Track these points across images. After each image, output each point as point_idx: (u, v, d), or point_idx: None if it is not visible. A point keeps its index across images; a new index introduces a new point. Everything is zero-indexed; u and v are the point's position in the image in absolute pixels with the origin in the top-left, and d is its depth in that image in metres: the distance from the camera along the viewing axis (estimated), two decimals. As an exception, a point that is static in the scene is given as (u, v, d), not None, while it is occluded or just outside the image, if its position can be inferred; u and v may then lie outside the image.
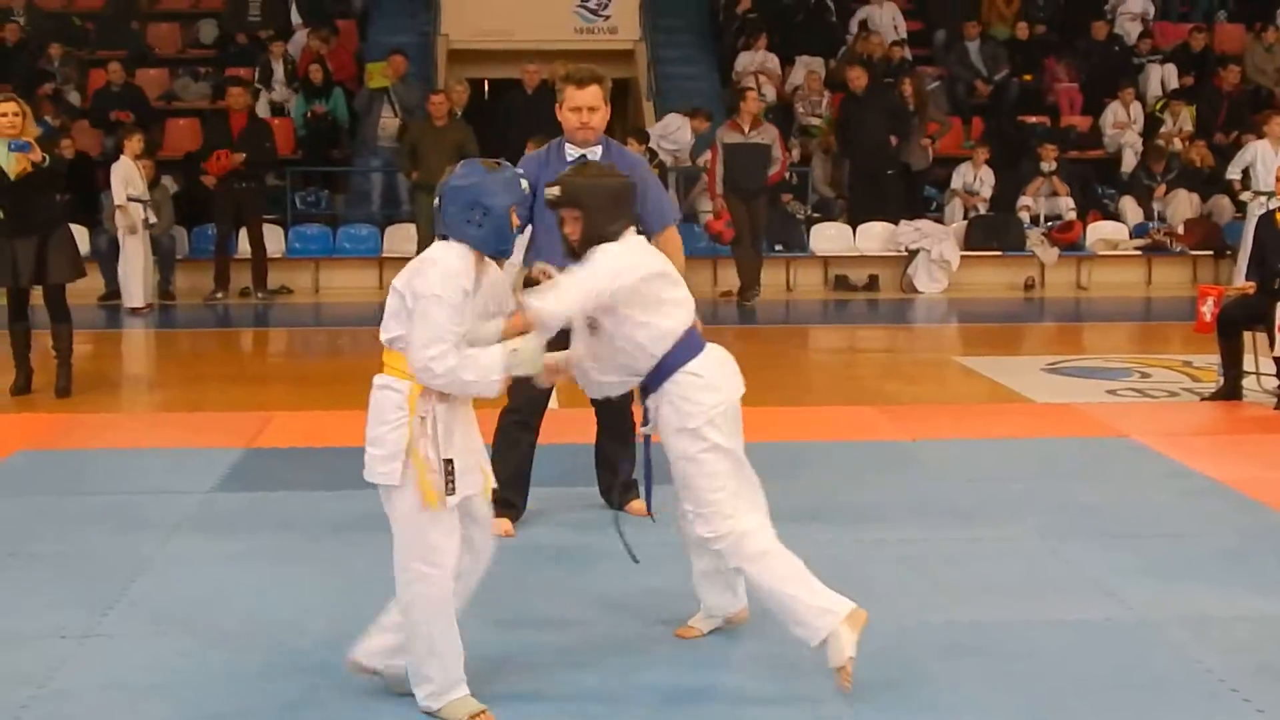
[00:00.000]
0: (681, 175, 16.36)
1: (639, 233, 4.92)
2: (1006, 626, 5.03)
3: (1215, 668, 4.64)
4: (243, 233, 15.23)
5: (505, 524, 5.83)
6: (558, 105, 5.78)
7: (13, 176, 8.81)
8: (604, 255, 4.40)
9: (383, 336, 4.19)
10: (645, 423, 4.62)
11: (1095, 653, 4.78)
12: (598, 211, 4.41)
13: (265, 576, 5.60)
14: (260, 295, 15.10)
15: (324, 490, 6.90)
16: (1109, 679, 4.56)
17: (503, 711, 4.25)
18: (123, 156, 13.87)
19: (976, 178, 16.70)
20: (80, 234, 15.46)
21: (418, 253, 14.37)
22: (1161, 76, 18.49)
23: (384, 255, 16.03)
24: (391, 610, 4.35)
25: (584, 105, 5.64)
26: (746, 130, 14.63)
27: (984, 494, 6.87)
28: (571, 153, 5.66)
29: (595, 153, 5.61)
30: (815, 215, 16.81)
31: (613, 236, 4.44)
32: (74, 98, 17.45)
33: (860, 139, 16.15)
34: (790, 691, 4.45)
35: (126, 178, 13.81)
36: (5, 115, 8.85)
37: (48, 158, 8.97)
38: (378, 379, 4.21)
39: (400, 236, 15.94)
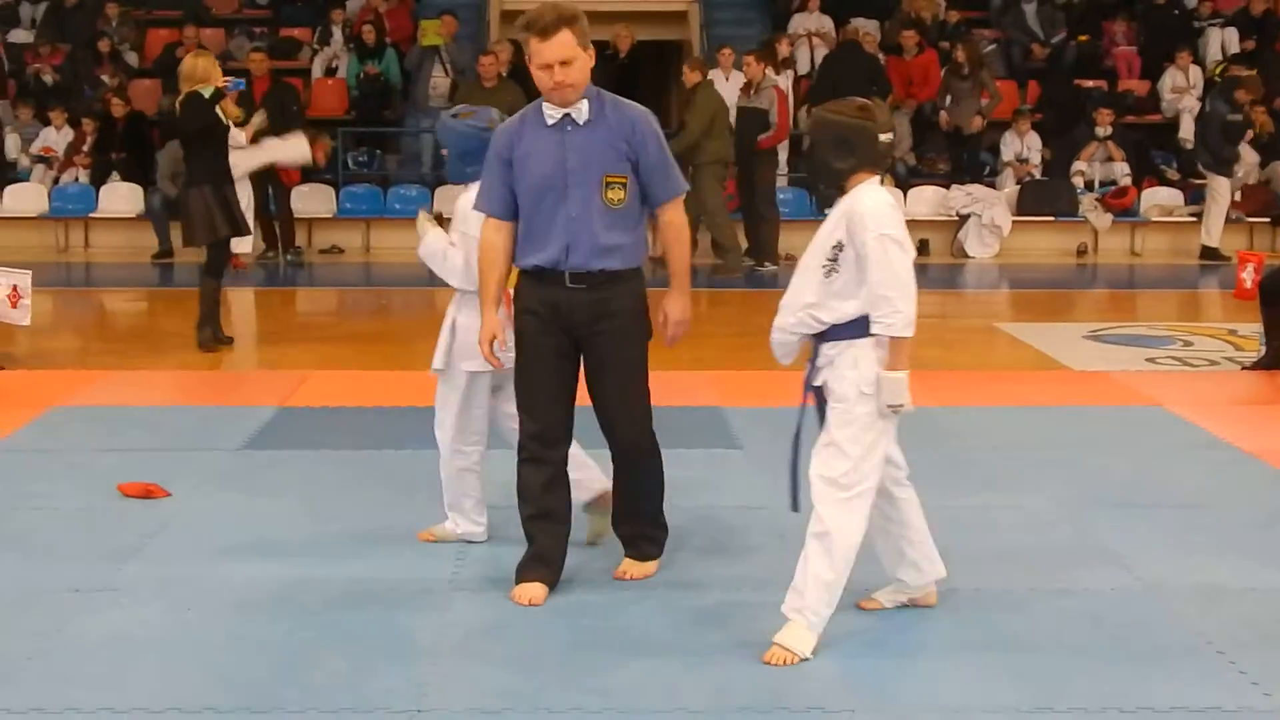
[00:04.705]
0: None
1: (644, 204, 4.85)
2: (1007, 594, 5.01)
3: (1216, 639, 4.59)
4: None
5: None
6: (527, 59, 4.71)
7: (231, 122, 9.06)
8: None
9: None
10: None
11: (1095, 622, 4.75)
12: None
13: (285, 535, 5.65)
14: (289, 256, 15.10)
15: (350, 450, 6.97)
16: (1105, 649, 4.52)
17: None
18: None
19: (1024, 145, 16.53)
20: (135, 193, 15.71)
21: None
22: (1222, 40, 18.21)
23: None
24: None
25: (554, 60, 4.56)
26: (750, 93, 14.25)
27: (1005, 462, 6.83)
28: (552, 114, 4.68)
29: (582, 109, 4.65)
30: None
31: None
32: (131, 58, 17.60)
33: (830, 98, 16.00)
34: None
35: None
36: None
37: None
38: None
39: (450, 197, 15.74)
